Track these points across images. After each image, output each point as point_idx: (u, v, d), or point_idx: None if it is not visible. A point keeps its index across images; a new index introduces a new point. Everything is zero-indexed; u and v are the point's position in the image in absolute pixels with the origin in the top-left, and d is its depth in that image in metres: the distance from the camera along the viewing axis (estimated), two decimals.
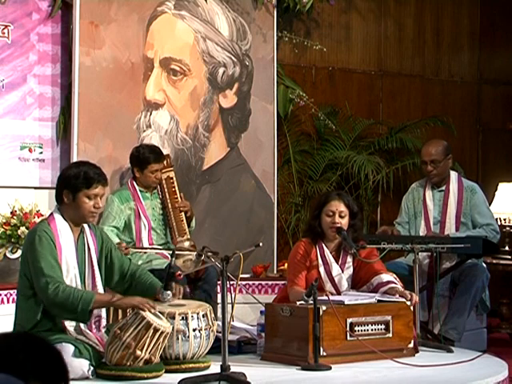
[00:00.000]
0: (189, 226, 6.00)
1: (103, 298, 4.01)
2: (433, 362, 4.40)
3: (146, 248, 5.74)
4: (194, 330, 4.10)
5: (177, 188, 6.05)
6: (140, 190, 5.88)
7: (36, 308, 3.96)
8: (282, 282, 6.08)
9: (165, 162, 6.04)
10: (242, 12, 6.95)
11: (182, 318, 4.10)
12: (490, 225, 5.84)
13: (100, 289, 4.12)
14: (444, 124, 7.90)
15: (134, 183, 5.89)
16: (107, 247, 4.25)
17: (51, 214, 4.14)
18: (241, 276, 4.48)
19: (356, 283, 4.83)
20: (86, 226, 4.18)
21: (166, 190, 6.01)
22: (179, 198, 5.99)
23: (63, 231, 4.05)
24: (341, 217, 4.77)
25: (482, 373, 4.24)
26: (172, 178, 6.08)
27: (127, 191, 5.87)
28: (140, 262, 5.61)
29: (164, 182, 6.02)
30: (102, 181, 4.11)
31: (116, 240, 5.58)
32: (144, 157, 5.86)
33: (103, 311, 4.12)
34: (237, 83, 6.90)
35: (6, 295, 5.58)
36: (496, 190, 7.18)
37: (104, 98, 6.34)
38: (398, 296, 4.59)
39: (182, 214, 5.98)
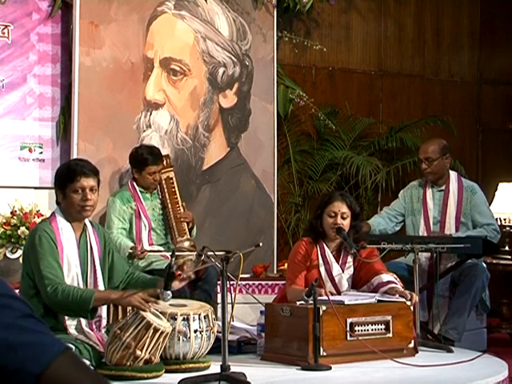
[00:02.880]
0: (189, 234, 5.96)
1: (103, 295, 4.00)
2: (433, 362, 4.39)
3: (159, 251, 5.72)
4: (196, 332, 4.09)
5: (177, 188, 6.04)
6: (140, 191, 5.86)
7: (39, 307, 3.96)
8: (282, 282, 6.07)
9: (164, 162, 6.02)
10: (242, 12, 6.94)
11: (184, 318, 4.10)
12: (490, 224, 5.84)
13: (101, 288, 4.12)
14: (444, 124, 7.89)
15: (134, 184, 5.87)
16: (110, 247, 4.25)
17: (53, 213, 4.15)
18: (241, 276, 4.47)
19: (356, 283, 4.83)
20: (88, 224, 4.17)
21: (165, 190, 5.99)
22: (181, 207, 5.95)
23: (64, 230, 4.05)
24: (343, 218, 4.75)
25: (482, 373, 4.23)
26: (172, 179, 6.07)
27: (127, 192, 5.86)
28: (140, 262, 5.61)
29: (164, 182, 6.01)
30: (86, 172, 4.01)
31: (130, 244, 5.59)
32: (142, 158, 5.83)
33: (104, 311, 4.12)
34: (237, 83, 6.90)
35: None
36: (496, 190, 7.17)
37: (104, 97, 6.33)
38: (398, 296, 4.59)
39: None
